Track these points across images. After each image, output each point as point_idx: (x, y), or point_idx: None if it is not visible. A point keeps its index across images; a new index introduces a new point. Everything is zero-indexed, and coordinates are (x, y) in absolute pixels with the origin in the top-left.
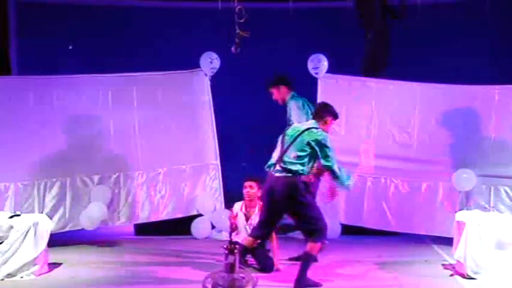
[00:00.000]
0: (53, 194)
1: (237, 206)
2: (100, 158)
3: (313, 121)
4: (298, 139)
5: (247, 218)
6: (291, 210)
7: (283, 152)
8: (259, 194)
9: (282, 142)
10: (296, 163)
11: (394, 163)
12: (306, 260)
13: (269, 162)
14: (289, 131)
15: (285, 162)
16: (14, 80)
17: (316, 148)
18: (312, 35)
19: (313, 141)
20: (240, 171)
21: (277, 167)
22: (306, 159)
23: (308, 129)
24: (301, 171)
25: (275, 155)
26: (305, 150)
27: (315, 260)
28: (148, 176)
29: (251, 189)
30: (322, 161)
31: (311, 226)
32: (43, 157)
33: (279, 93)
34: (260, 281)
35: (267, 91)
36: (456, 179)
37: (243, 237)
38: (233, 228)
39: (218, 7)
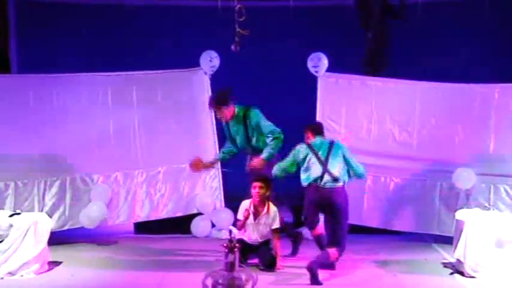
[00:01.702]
0: (53, 192)
1: (245, 204)
2: (100, 157)
3: (319, 137)
4: (333, 152)
5: (255, 217)
6: (338, 216)
7: (325, 165)
8: (267, 194)
9: (317, 156)
10: (341, 173)
11: (394, 162)
12: (323, 258)
13: (313, 177)
14: (317, 145)
15: (332, 174)
16: (14, 79)
17: (348, 159)
18: (312, 34)
19: (344, 152)
20: (240, 169)
21: (327, 179)
22: (345, 169)
23: (332, 142)
24: (346, 180)
25: (316, 169)
26: (341, 161)
27: (333, 267)
28: (148, 175)
29: (260, 189)
30: (355, 169)
31: (342, 235)
32: (43, 156)
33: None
34: (262, 280)
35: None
36: (456, 178)
37: (248, 234)
38: (240, 226)
39: (218, 6)
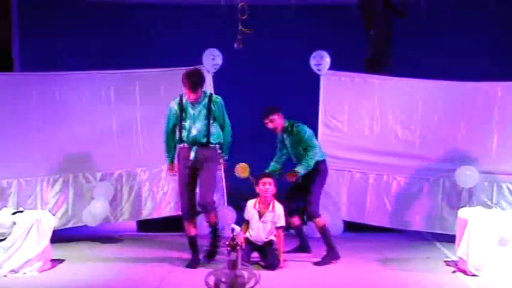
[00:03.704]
0: (56, 190)
1: (251, 204)
2: (102, 155)
3: None
4: None
5: (260, 215)
6: None
7: None
8: (274, 191)
9: None
10: None
11: (396, 160)
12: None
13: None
14: None
15: None
16: (17, 77)
17: None
18: (314, 32)
19: None
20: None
21: None
22: None
23: None
24: None
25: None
26: None
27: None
28: (151, 173)
29: (270, 186)
30: None
31: None
32: (45, 154)
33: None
34: (264, 278)
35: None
36: (459, 176)
37: (253, 232)
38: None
39: (221, 4)
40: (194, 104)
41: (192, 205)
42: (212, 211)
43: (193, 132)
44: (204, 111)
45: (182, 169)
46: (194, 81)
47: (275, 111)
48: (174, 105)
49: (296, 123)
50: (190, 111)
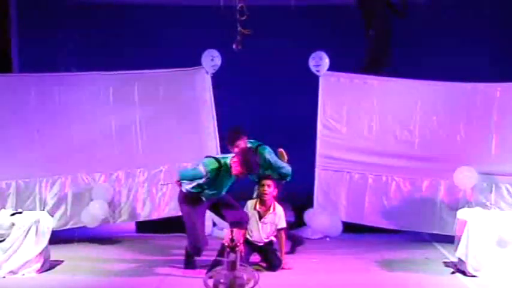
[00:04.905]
0: (55, 191)
1: (251, 204)
2: (101, 156)
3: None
4: None
5: (260, 216)
6: None
7: None
8: (275, 193)
9: None
10: None
11: (395, 161)
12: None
13: None
14: None
15: None
16: (16, 78)
17: None
18: (313, 33)
19: None
20: None
21: None
22: None
23: None
24: None
25: None
26: None
27: None
28: (149, 174)
29: (269, 188)
30: None
31: None
32: (44, 155)
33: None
34: (264, 279)
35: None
36: (457, 177)
37: (253, 233)
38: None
39: (220, 5)
40: (232, 175)
41: (204, 239)
42: (245, 227)
43: (216, 194)
44: (232, 179)
45: (193, 209)
46: (253, 164)
47: (240, 137)
48: (211, 172)
49: (260, 148)
50: (223, 179)
